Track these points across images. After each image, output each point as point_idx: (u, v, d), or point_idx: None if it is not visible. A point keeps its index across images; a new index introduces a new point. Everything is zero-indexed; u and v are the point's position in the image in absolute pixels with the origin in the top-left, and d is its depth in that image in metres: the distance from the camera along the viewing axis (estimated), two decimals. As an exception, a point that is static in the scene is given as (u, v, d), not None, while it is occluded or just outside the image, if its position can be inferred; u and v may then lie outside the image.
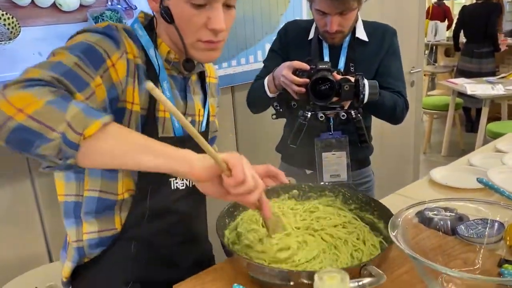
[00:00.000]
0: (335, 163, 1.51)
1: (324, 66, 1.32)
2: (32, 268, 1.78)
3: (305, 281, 0.80)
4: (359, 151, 1.57)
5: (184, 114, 1.06)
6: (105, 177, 0.99)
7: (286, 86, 1.38)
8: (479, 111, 5.04)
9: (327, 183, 1.43)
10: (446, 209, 1.02)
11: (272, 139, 1.88)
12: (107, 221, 1.02)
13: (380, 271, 0.82)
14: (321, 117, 1.36)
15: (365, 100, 1.31)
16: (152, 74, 0.99)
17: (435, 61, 6.58)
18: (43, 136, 0.70)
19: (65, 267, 1.08)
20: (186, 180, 1.06)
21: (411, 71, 3.19)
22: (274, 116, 1.58)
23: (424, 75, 5.59)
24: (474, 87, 4.03)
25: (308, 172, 1.63)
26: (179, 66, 1.04)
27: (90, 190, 1.00)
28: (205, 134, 1.14)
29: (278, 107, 1.51)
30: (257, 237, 0.97)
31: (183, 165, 0.79)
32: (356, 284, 0.77)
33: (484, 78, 4.38)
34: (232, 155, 0.82)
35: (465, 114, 5.39)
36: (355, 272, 0.83)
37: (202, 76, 1.15)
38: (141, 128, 0.97)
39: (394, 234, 0.84)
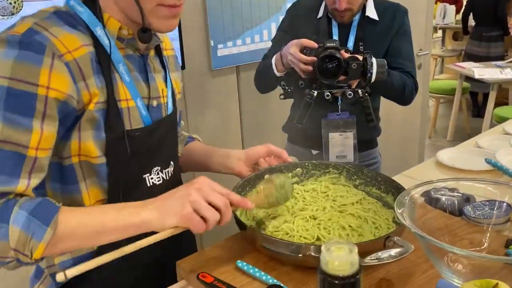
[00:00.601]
0: (341, 143, 1.50)
1: (332, 44, 1.30)
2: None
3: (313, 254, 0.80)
4: (367, 132, 1.56)
5: (149, 97, 0.94)
6: (66, 192, 0.88)
7: (294, 64, 1.36)
8: (486, 96, 4.99)
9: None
10: (452, 190, 1.01)
11: (278, 119, 1.86)
12: None
13: (404, 241, 0.81)
14: (328, 95, 1.34)
15: (373, 79, 1.29)
16: (103, 58, 0.85)
17: (443, 44, 6.50)
18: (2, 263, 0.74)
19: None
20: (162, 172, 0.98)
21: (419, 54, 3.14)
22: (282, 96, 1.56)
23: (432, 58, 5.52)
24: (482, 71, 3.98)
25: (314, 152, 1.62)
26: (134, 42, 0.91)
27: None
28: (172, 116, 1.02)
29: (286, 87, 1.49)
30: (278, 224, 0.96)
31: (145, 229, 0.79)
32: (387, 254, 0.77)
33: (493, 62, 4.33)
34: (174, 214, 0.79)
35: (472, 99, 5.34)
36: (379, 245, 0.83)
37: (158, 50, 1.01)
38: (104, 126, 0.85)
39: (400, 211, 0.82)
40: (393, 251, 0.79)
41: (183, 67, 2.00)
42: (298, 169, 1.17)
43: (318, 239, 0.91)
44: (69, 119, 0.82)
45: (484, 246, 0.89)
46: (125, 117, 0.88)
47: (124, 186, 0.90)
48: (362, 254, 0.72)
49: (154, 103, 0.95)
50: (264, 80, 1.58)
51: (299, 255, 0.83)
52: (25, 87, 0.75)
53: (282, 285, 0.80)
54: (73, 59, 0.80)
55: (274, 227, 0.95)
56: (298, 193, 1.08)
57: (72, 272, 0.74)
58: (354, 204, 1.04)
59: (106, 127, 0.85)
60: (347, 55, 1.31)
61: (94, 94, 0.83)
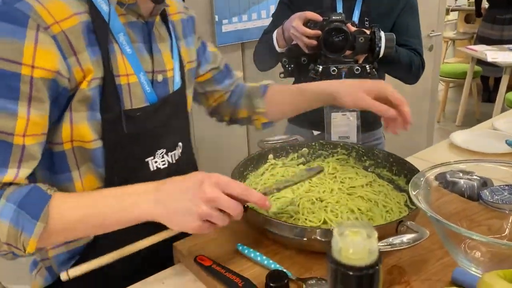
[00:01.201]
0: (344, 124, 1.43)
1: (338, 17, 1.23)
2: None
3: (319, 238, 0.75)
4: (370, 112, 1.49)
5: (152, 72, 0.84)
6: (55, 182, 0.80)
7: (296, 38, 1.30)
8: (497, 81, 4.87)
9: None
10: (469, 173, 0.94)
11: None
12: None
13: (418, 225, 0.75)
14: (334, 71, 1.27)
15: (381, 54, 1.23)
16: (100, 26, 0.74)
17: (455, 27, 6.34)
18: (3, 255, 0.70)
19: (36, 281, 0.90)
20: (167, 155, 0.88)
21: (430, 35, 3.04)
22: (282, 75, 1.49)
23: (443, 41, 5.39)
24: (495, 54, 3.86)
25: (315, 133, 1.56)
26: (137, 7, 0.80)
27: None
28: (180, 92, 0.91)
29: (287, 64, 1.42)
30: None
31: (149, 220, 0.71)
32: (400, 240, 0.71)
33: (506, 46, 4.20)
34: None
35: (483, 83, 5.22)
36: (391, 230, 0.77)
37: (164, 16, 0.89)
38: (99, 105, 0.76)
39: (415, 193, 0.76)
40: (406, 237, 0.72)
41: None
42: (304, 149, 1.10)
43: (324, 222, 0.85)
44: (62, 100, 0.73)
45: (505, 233, 0.83)
46: (124, 95, 0.78)
47: (123, 172, 0.81)
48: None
49: (159, 77, 0.85)
50: (265, 56, 1.51)
51: (304, 239, 0.77)
52: (7, 67, 0.66)
53: (284, 270, 0.74)
54: (61, 31, 0.70)
55: (277, 208, 0.89)
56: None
57: (75, 272, 0.70)
58: (364, 187, 0.98)
59: (102, 107, 0.76)
60: (353, 28, 1.24)
61: (88, 70, 0.73)
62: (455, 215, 0.85)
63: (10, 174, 0.69)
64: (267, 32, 1.53)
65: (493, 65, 3.90)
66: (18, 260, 0.72)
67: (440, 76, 4.40)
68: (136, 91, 0.80)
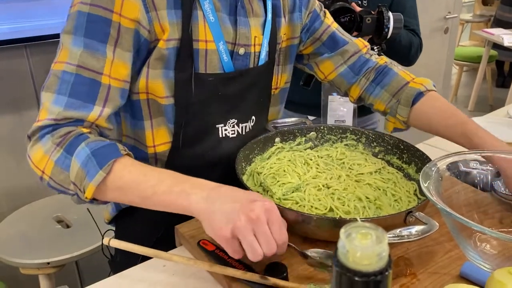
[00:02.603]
0: (341, 107, 1.39)
1: None
2: (40, 198, 1.76)
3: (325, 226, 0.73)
4: None
5: (234, 43, 0.86)
6: (133, 125, 0.89)
7: None
8: (513, 66, 4.77)
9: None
10: (484, 163, 0.91)
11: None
12: None
13: (428, 217, 0.72)
14: None
15: (389, 35, 1.17)
16: None
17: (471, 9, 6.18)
18: (67, 193, 0.75)
19: (106, 210, 1.01)
20: (238, 126, 0.91)
21: (447, 16, 2.96)
22: None
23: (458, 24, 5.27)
24: (512, 39, 3.76)
25: (310, 118, 1.52)
26: None
27: (127, 137, 0.91)
28: (265, 68, 0.93)
29: None
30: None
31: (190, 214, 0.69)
32: (408, 232, 0.67)
33: (524, 30, 4.10)
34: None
35: (498, 68, 5.12)
36: (399, 220, 0.74)
37: None
38: (174, 65, 0.81)
39: (426, 185, 0.73)
40: (415, 229, 0.70)
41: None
42: (312, 133, 1.07)
43: (331, 210, 0.82)
44: (143, 51, 0.80)
45: (517, 227, 0.80)
46: (200, 59, 0.82)
47: (191, 132, 0.86)
48: (380, 229, 0.65)
49: (241, 50, 0.87)
50: None
51: (309, 226, 0.75)
52: (102, 13, 0.74)
53: (283, 262, 0.72)
54: None
55: (283, 194, 0.86)
56: (311, 159, 0.99)
57: (115, 243, 0.74)
58: (372, 174, 0.94)
59: (176, 67, 0.81)
60: (359, 8, 1.19)
61: (165, 28, 0.78)
62: (467, 206, 0.83)
63: (95, 112, 0.76)
64: None
65: (509, 49, 3.81)
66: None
67: (454, 59, 4.31)
68: (213, 58, 0.84)
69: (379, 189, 0.89)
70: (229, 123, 0.90)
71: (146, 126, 0.87)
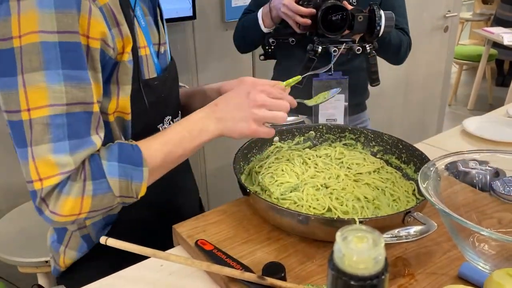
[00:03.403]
0: (332, 106, 1.39)
1: None
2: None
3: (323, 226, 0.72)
4: (357, 95, 1.47)
5: (159, 44, 0.88)
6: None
7: (288, 17, 1.24)
8: (512, 64, 4.76)
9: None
10: (483, 163, 0.91)
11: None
12: None
13: (426, 217, 0.72)
14: (335, 51, 1.22)
15: (381, 33, 1.17)
16: (125, 0, 0.77)
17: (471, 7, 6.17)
18: (108, 210, 0.75)
19: (66, 256, 0.91)
20: (172, 122, 0.92)
21: (446, 15, 2.95)
22: (262, 57, 1.43)
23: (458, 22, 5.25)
24: (512, 37, 3.76)
25: (301, 117, 1.52)
26: None
27: None
28: (173, 63, 0.94)
29: (272, 46, 1.36)
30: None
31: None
32: (406, 232, 0.68)
33: (524, 29, 4.09)
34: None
35: (498, 67, 5.11)
36: (398, 220, 0.74)
37: None
38: (131, 75, 0.79)
39: (424, 185, 0.73)
40: (413, 229, 0.69)
41: (194, 18, 1.88)
42: (311, 132, 1.07)
43: (329, 210, 0.82)
44: (106, 70, 0.75)
45: (516, 227, 0.80)
46: (144, 66, 0.82)
47: (138, 137, 0.83)
48: (378, 229, 0.63)
49: (162, 49, 0.90)
50: (248, 37, 1.44)
51: (307, 226, 0.75)
52: (74, 38, 0.67)
53: (280, 263, 0.72)
54: (106, 2, 0.72)
55: (281, 194, 0.86)
56: (309, 159, 0.99)
57: (112, 242, 0.73)
58: (371, 173, 0.94)
59: (132, 78, 0.79)
60: (350, 6, 1.19)
61: (127, 41, 0.76)
62: (465, 206, 0.82)
63: (97, 141, 0.72)
64: (248, 12, 1.47)
65: (509, 48, 3.80)
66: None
67: (454, 58, 4.31)
68: (150, 63, 0.85)
69: (378, 189, 0.89)
70: (165, 121, 0.91)
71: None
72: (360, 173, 0.94)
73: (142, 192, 0.75)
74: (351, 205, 0.82)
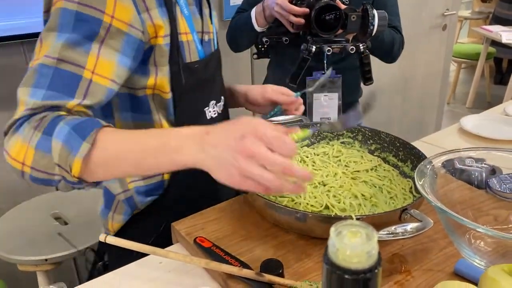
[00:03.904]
0: (326, 105, 1.40)
1: None
2: (38, 195, 1.76)
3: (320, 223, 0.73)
4: (350, 94, 1.48)
5: (202, 32, 0.94)
6: (138, 120, 0.89)
7: (281, 17, 1.24)
8: (511, 63, 4.77)
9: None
10: (479, 160, 0.92)
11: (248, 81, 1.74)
12: None
13: (422, 214, 0.73)
14: (329, 50, 1.23)
15: (374, 32, 1.18)
16: None
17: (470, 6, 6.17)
18: (51, 180, 0.71)
19: (114, 221, 0.98)
20: (217, 106, 0.98)
21: (445, 13, 2.95)
22: (255, 56, 1.44)
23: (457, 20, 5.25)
24: (511, 36, 3.76)
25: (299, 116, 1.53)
26: None
27: None
28: (218, 51, 1.02)
29: (268, 43, 1.37)
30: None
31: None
32: (403, 229, 0.68)
33: (523, 27, 4.09)
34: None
35: (496, 65, 5.12)
36: (395, 217, 0.75)
37: None
38: (169, 60, 0.84)
39: (421, 183, 0.74)
40: (409, 226, 0.70)
41: (192, 16, 1.88)
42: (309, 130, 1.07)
43: (326, 207, 0.83)
44: (139, 53, 0.80)
45: (512, 224, 0.81)
46: (185, 50, 0.88)
47: (188, 120, 0.86)
48: (375, 226, 0.64)
49: (206, 37, 0.96)
50: (241, 37, 1.45)
51: (305, 224, 0.76)
52: (93, 13, 0.74)
53: (278, 259, 0.72)
54: None
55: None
56: (307, 157, 0.99)
57: (112, 240, 0.74)
58: (369, 171, 0.95)
59: (171, 61, 0.85)
60: (343, 6, 1.19)
61: (159, 26, 0.81)
62: (461, 203, 0.83)
63: (74, 102, 0.73)
64: (241, 11, 1.47)
65: (507, 46, 3.81)
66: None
67: (453, 56, 4.32)
68: (192, 48, 0.90)
69: (375, 187, 0.90)
70: (210, 104, 0.96)
71: (155, 119, 0.89)
72: (358, 171, 0.95)
73: (75, 169, 0.67)
74: (348, 203, 0.82)
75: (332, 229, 0.35)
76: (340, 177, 0.92)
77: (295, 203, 0.84)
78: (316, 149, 1.04)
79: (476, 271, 0.69)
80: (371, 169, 0.96)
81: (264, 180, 0.61)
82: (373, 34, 1.18)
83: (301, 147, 1.05)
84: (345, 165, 0.97)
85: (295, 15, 1.21)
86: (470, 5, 6.12)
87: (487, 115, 1.45)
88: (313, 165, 0.96)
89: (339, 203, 0.83)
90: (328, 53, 1.23)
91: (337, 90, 1.37)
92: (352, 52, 1.23)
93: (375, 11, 1.17)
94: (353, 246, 0.34)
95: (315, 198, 0.84)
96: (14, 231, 1.56)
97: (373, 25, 1.16)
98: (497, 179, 0.90)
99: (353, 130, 1.06)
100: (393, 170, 0.97)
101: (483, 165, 0.88)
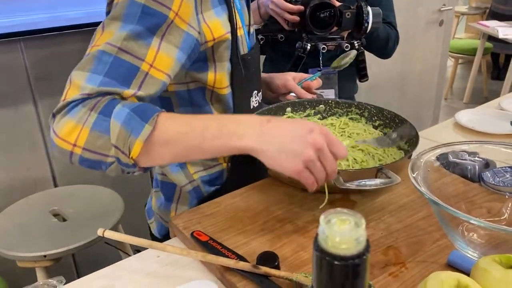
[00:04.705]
0: (324, 94, 1.42)
1: None
2: (36, 192, 1.77)
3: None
4: (346, 90, 1.50)
5: (249, 25, 0.98)
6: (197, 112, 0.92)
7: (277, 15, 1.26)
8: (508, 58, 4.78)
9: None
10: (472, 154, 0.93)
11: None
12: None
13: (395, 174, 0.80)
14: (323, 48, 1.24)
15: (368, 29, 1.20)
16: None
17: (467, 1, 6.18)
18: (103, 162, 0.71)
19: (178, 211, 1.01)
20: (258, 96, 1.03)
21: (441, 9, 2.96)
22: None
23: (454, 16, 5.26)
24: (507, 31, 3.77)
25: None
26: None
27: None
28: (257, 44, 1.04)
29: (264, 40, 1.39)
30: None
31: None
32: (373, 182, 0.77)
33: (519, 22, 4.11)
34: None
35: (493, 60, 5.14)
36: (371, 175, 0.82)
37: None
38: (229, 55, 0.89)
39: (414, 175, 0.75)
40: (379, 181, 0.79)
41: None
42: (321, 105, 1.14)
43: None
44: (194, 52, 0.82)
45: (504, 216, 0.82)
46: (241, 43, 0.92)
47: (238, 110, 0.94)
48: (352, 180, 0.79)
49: (251, 30, 1.00)
50: None
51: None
52: (160, 8, 0.75)
53: (274, 252, 0.73)
54: None
55: None
56: None
57: (109, 234, 0.75)
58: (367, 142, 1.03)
59: (232, 56, 0.89)
60: (338, 3, 1.20)
61: (216, 26, 0.84)
62: (455, 196, 0.84)
63: (130, 91, 0.73)
64: None
65: (504, 41, 3.82)
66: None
67: (450, 52, 4.33)
68: (244, 41, 0.94)
69: (369, 154, 0.98)
70: (254, 94, 1.00)
71: (213, 112, 0.93)
72: (357, 141, 1.02)
73: (135, 151, 0.68)
74: (338, 163, 0.87)
75: (322, 217, 0.36)
76: None
77: None
78: (325, 121, 1.12)
79: (469, 262, 0.70)
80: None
81: (320, 175, 0.69)
82: (367, 31, 1.20)
83: (310, 119, 1.13)
84: (348, 136, 1.05)
85: (290, 13, 1.22)
86: (467, 0, 6.13)
87: (482, 110, 1.46)
88: None
89: None
90: (323, 51, 1.24)
91: (333, 87, 1.38)
92: (347, 49, 1.25)
93: (369, 8, 1.18)
94: (342, 233, 0.35)
95: None
96: (13, 227, 1.57)
97: (368, 22, 1.18)
98: (491, 172, 0.91)
99: (360, 107, 1.13)
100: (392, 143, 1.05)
101: (476, 158, 0.89)
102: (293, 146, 0.67)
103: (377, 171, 0.82)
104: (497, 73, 5.12)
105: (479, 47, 4.38)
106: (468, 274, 0.64)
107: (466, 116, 1.38)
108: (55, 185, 1.90)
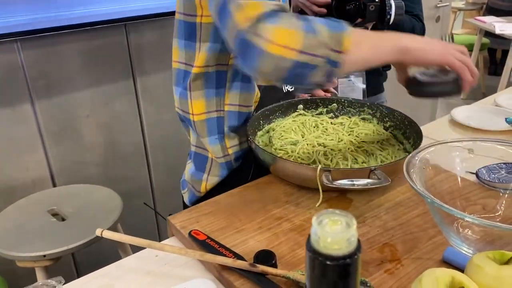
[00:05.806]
0: (350, 89, 1.46)
1: None
2: (35, 192, 1.77)
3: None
4: (374, 77, 1.55)
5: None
6: (244, 91, 0.99)
7: (305, 7, 1.31)
8: (505, 54, 4.78)
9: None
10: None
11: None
12: (244, 133, 1.02)
13: (386, 176, 0.82)
14: None
15: (391, 21, 1.23)
16: None
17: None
18: (312, 66, 0.72)
19: (209, 182, 1.07)
20: None
21: (438, 5, 2.97)
22: None
23: (451, 12, 5.26)
24: (504, 26, 3.78)
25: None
26: None
27: (230, 105, 1.00)
28: None
29: None
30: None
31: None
32: (361, 182, 0.80)
33: (516, 17, 4.11)
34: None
35: (490, 55, 5.14)
36: (363, 175, 0.84)
37: None
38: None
39: (409, 173, 0.75)
40: (368, 181, 0.80)
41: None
42: (334, 104, 1.15)
43: (314, 162, 0.91)
44: None
45: (499, 213, 0.83)
46: None
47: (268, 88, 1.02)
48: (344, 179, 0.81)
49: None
50: None
51: (276, 166, 0.90)
52: None
53: (271, 251, 0.74)
54: None
55: (280, 146, 0.98)
56: (321, 123, 1.07)
57: (108, 234, 0.77)
58: (374, 143, 1.02)
59: None
60: None
61: None
62: (450, 193, 0.85)
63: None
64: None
65: (501, 37, 3.82)
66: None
67: (447, 47, 4.32)
68: None
69: (373, 155, 0.97)
70: None
71: (256, 89, 1.00)
72: (365, 142, 1.02)
73: (346, 44, 0.72)
74: (335, 161, 0.88)
75: (314, 218, 0.37)
76: (345, 143, 0.98)
77: (288, 156, 0.94)
78: (336, 119, 1.12)
79: (463, 259, 0.70)
80: (378, 142, 1.03)
81: (469, 63, 0.84)
82: (390, 23, 1.24)
83: (321, 117, 1.14)
84: (356, 136, 1.05)
85: (318, 5, 1.28)
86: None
87: (478, 106, 1.46)
88: (325, 132, 1.04)
89: (326, 160, 0.89)
90: None
91: (361, 74, 1.42)
92: None
93: (392, 1, 1.23)
94: (333, 234, 0.36)
95: (308, 154, 0.92)
96: (12, 227, 1.57)
97: (390, 15, 1.23)
98: (486, 169, 0.92)
99: (372, 107, 1.14)
100: (398, 145, 1.05)
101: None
102: (438, 47, 0.82)
103: (370, 172, 0.84)
104: (494, 69, 5.13)
105: (476, 43, 4.39)
106: (463, 271, 0.64)
107: (462, 112, 1.38)
108: (54, 185, 1.91)
